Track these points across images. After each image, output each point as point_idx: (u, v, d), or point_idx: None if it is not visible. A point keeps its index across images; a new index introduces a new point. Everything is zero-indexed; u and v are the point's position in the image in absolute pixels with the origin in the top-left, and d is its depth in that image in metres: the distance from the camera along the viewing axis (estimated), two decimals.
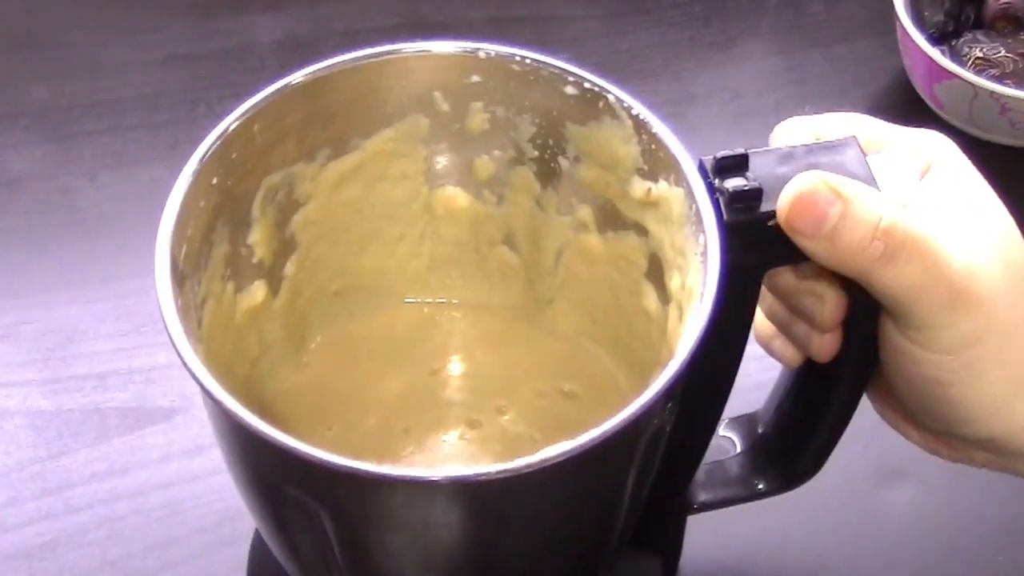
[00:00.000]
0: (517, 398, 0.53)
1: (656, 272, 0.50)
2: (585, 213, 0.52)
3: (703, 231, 0.45)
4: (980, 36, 0.78)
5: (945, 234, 0.43)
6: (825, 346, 0.48)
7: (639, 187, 0.48)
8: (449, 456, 0.52)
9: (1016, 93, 0.74)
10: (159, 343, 0.56)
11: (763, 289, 0.48)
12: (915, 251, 0.42)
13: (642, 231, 0.50)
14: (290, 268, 0.52)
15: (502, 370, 0.54)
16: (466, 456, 0.51)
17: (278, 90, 0.48)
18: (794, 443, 0.57)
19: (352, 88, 0.49)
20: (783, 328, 0.50)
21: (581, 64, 0.49)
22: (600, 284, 0.53)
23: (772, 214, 0.45)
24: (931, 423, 0.48)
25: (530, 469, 0.39)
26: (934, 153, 0.47)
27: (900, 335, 0.45)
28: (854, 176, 0.45)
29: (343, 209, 0.53)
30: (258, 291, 0.51)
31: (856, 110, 0.82)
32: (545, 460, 0.39)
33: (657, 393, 0.41)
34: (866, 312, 0.47)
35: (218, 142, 0.46)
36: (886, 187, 0.46)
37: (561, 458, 0.39)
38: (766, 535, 0.62)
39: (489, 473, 0.40)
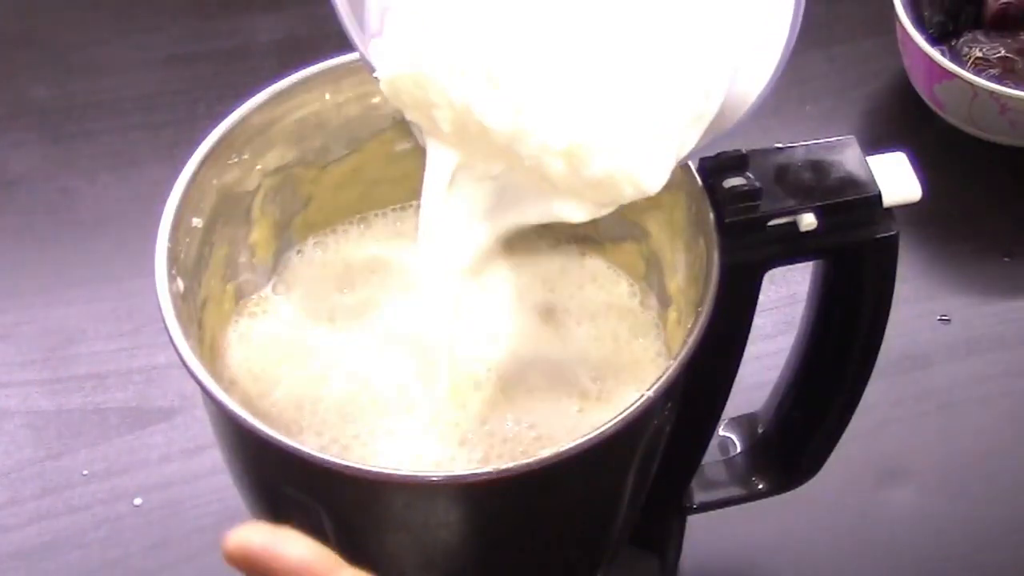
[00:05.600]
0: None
1: (656, 273, 0.50)
2: None
3: (703, 232, 0.45)
4: (980, 36, 0.78)
5: None
6: None
7: None
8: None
9: (1016, 93, 0.74)
10: (159, 343, 0.56)
11: None
12: None
13: (643, 233, 0.50)
14: (290, 269, 0.52)
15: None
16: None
17: (278, 91, 0.48)
18: (794, 443, 0.57)
19: (352, 89, 0.49)
20: None
21: None
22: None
23: (772, 214, 0.45)
24: None
25: (529, 469, 0.39)
26: None
27: None
28: (854, 175, 0.46)
29: (343, 210, 0.53)
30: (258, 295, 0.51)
31: (856, 110, 0.83)
32: (544, 460, 0.39)
33: (656, 393, 0.41)
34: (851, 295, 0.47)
35: (218, 142, 0.47)
36: (887, 188, 0.46)
37: (560, 458, 0.39)
38: (766, 535, 0.62)
39: (488, 473, 0.40)
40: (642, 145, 0.42)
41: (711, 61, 0.43)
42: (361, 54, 0.44)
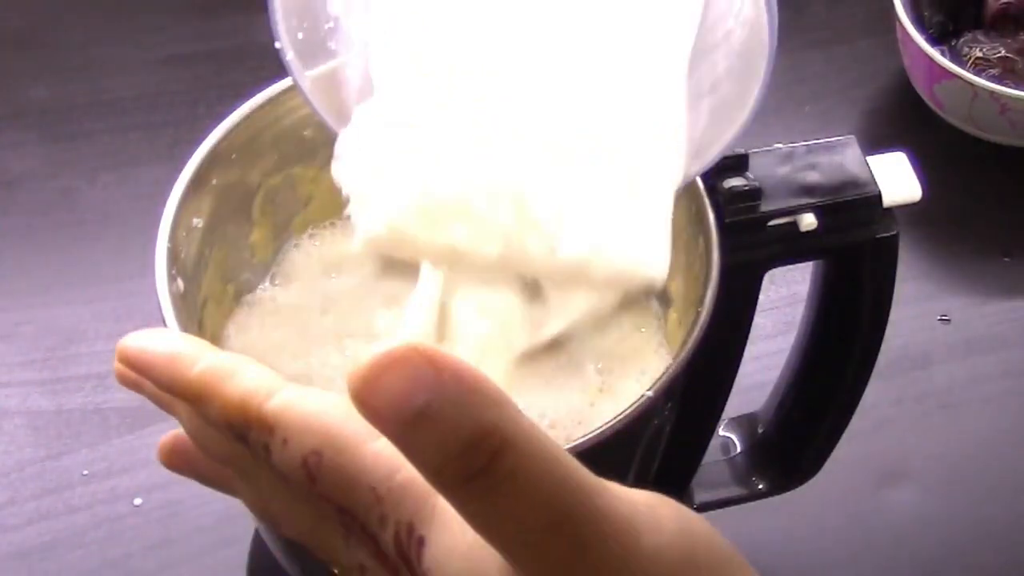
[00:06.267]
0: None
1: None
2: None
3: (703, 232, 0.45)
4: (980, 36, 0.78)
5: None
6: None
7: None
8: None
9: (1016, 93, 0.74)
10: None
11: None
12: None
13: None
14: (288, 260, 0.52)
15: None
16: None
17: (278, 90, 0.48)
18: (794, 443, 0.57)
19: None
20: None
21: None
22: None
23: (772, 214, 0.45)
24: None
25: None
26: None
27: None
28: (854, 175, 0.46)
29: (343, 210, 0.53)
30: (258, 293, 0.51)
31: (856, 110, 0.83)
32: None
33: (656, 393, 0.41)
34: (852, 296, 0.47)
35: (218, 142, 0.46)
36: (887, 188, 0.46)
37: None
38: (766, 535, 0.62)
39: None
40: (642, 239, 0.42)
41: (679, 132, 0.42)
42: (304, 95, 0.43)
